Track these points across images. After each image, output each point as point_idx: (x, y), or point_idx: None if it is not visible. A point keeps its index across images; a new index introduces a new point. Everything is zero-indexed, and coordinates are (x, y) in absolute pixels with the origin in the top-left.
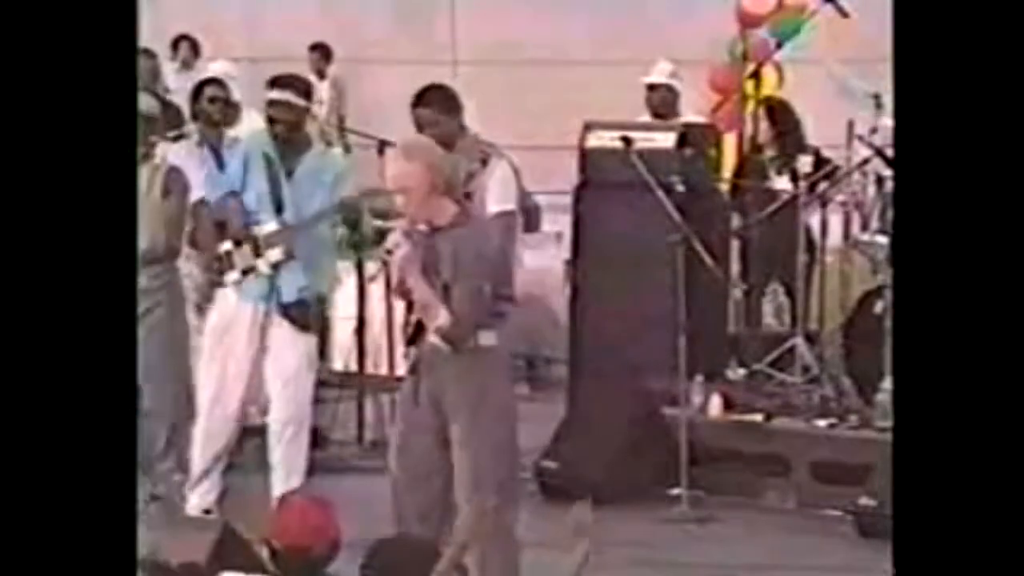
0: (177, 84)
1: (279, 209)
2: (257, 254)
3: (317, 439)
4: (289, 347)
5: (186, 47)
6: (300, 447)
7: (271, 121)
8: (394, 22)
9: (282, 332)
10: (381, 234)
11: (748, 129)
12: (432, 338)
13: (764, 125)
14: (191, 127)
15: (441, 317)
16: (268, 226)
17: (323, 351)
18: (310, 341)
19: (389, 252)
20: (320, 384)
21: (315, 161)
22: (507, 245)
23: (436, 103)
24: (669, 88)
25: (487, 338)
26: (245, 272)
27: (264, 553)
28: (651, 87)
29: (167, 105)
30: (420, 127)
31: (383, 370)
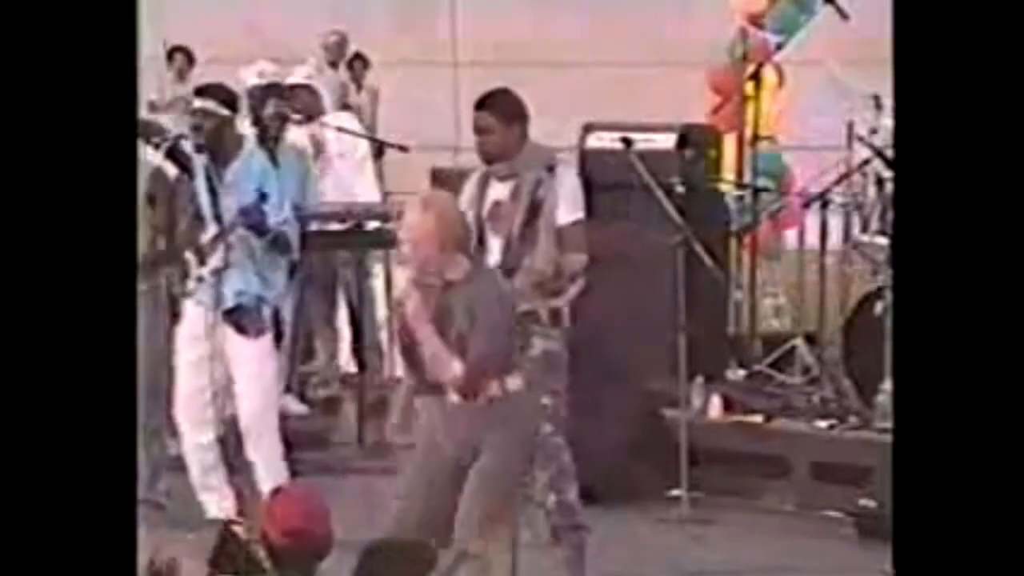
0: (173, 94)
1: (218, 217)
2: (202, 262)
3: (317, 440)
4: (239, 353)
5: (181, 58)
6: (268, 451)
7: (195, 129)
8: (394, 22)
9: (230, 338)
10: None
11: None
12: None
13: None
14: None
15: (454, 369)
16: (209, 233)
17: None
18: (259, 345)
19: (399, 304)
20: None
21: (241, 165)
22: (577, 254)
23: (495, 108)
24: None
25: (514, 383)
26: (199, 280)
27: (261, 552)
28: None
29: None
30: (478, 131)
31: (383, 371)
